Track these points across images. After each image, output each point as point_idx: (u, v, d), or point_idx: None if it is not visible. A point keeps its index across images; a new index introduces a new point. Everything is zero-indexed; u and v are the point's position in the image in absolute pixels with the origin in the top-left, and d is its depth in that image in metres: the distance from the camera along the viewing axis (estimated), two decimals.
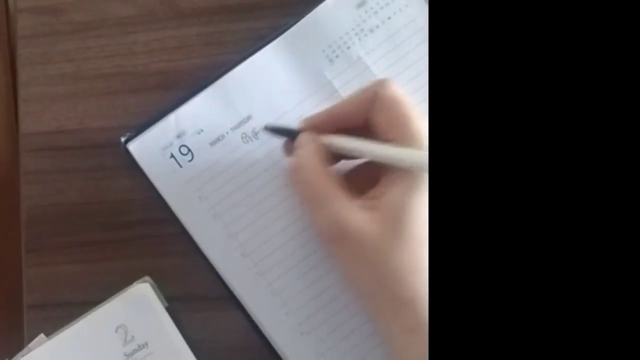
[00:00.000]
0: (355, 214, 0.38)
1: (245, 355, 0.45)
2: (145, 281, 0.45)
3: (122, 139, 0.46)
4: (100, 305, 0.44)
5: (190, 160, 0.46)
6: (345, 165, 0.43)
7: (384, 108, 0.40)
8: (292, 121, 0.46)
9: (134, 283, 0.45)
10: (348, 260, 0.39)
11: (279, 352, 0.44)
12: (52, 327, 0.44)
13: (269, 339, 0.44)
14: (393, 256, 0.37)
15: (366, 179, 0.41)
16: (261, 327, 0.44)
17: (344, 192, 0.39)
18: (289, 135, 0.43)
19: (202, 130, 0.46)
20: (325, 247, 0.43)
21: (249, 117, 0.46)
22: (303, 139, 0.41)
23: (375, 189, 0.40)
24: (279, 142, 0.45)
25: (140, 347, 0.43)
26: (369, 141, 0.40)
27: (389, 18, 0.47)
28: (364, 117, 0.41)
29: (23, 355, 0.44)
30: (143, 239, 0.46)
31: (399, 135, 0.39)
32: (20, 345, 0.45)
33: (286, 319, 0.44)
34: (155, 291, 0.44)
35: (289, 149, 0.43)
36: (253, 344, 0.44)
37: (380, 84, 0.40)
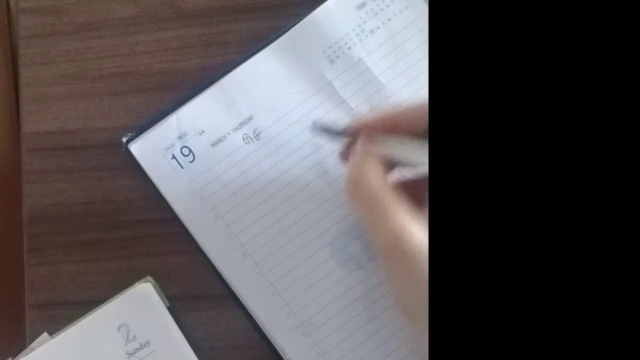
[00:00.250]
0: (416, 230, 0.36)
1: (246, 355, 0.45)
2: (147, 281, 0.45)
3: (124, 139, 0.46)
4: (103, 304, 0.44)
5: (191, 162, 0.46)
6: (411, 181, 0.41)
7: None
8: (292, 122, 0.46)
9: (136, 283, 0.45)
10: (404, 275, 0.36)
11: (280, 351, 0.44)
12: (54, 326, 0.45)
13: (270, 339, 0.44)
14: None
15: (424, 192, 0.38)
16: (262, 327, 0.44)
17: (406, 204, 0.37)
18: (338, 136, 0.42)
19: (203, 131, 0.46)
20: (381, 261, 0.40)
21: (250, 118, 0.46)
22: (361, 147, 0.39)
23: None
24: (280, 142, 0.46)
25: (142, 346, 0.44)
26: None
27: (389, 19, 0.47)
28: (422, 128, 0.38)
29: (26, 354, 0.44)
30: (145, 238, 0.46)
31: None
32: (22, 344, 0.45)
33: (287, 319, 0.44)
34: (157, 291, 0.44)
35: (346, 155, 0.42)
36: (254, 343, 0.44)
37: None
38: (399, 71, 0.47)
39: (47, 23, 0.49)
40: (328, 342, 0.44)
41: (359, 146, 0.39)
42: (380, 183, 0.38)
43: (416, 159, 0.38)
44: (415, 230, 0.35)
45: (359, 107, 0.46)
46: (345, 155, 0.42)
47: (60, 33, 0.49)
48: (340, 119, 0.46)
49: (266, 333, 0.44)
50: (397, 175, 0.40)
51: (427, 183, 0.39)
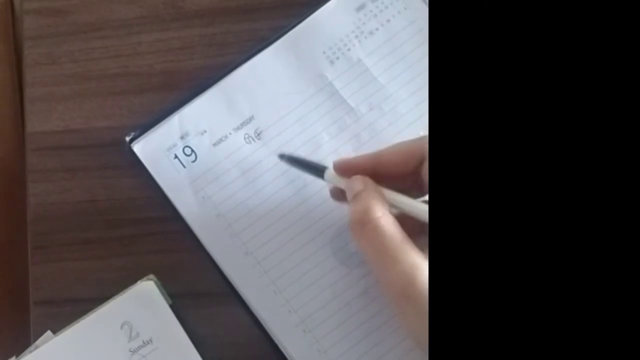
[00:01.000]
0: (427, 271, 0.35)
1: (247, 352, 0.45)
2: (149, 279, 0.45)
3: (127, 139, 0.46)
4: (106, 302, 0.45)
5: (193, 161, 0.46)
6: None
7: None
8: (293, 122, 0.46)
9: (139, 281, 0.45)
10: (415, 315, 0.36)
11: (282, 348, 0.44)
12: (58, 323, 0.45)
13: (272, 336, 0.44)
14: None
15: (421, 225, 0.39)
16: (264, 324, 0.44)
17: (414, 246, 0.37)
18: (310, 170, 0.43)
19: (205, 131, 0.46)
20: (391, 301, 0.40)
21: (251, 118, 0.46)
22: (360, 185, 0.39)
23: None
24: (281, 142, 0.46)
25: (145, 343, 0.44)
26: (418, 201, 0.38)
27: (388, 21, 0.47)
28: (407, 169, 0.39)
29: (30, 352, 0.44)
30: (147, 236, 0.46)
31: None
32: (26, 341, 0.45)
33: (288, 317, 0.44)
34: (159, 289, 0.44)
35: (338, 194, 0.42)
36: (255, 340, 0.45)
37: None
38: (398, 72, 0.47)
39: (51, 24, 0.49)
40: (329, 339, 0.44)
41: (358, 185, 0.39)
42: (388, 223, 0.37)
43: (410, 208, 0.38)
44: (423, 271, 0.35)
45: (359, 107, 0.46)
46: (336, 194, 0.43)
47: (64, 34, 0.49)
48: (340, 118, 0.46)
49: (267, 330, 0.44)
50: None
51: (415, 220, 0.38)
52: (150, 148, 0.46)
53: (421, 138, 0.40)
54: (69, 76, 0.48)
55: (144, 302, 0.44)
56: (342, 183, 0.40)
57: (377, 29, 0.47)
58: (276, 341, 0.44)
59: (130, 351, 0.44)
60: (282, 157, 0.44)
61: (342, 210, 0.45)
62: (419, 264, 0.36)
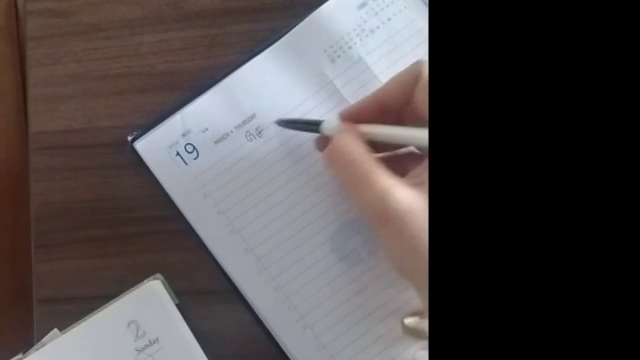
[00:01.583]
0: (401, 192, 0.36)
1: (248, 348, 0.45)
2: (156, 278, 0.45)
3: (129, 138, 0.46)
4: (113, 301, 0.45)
5: (195, 158, 0.46)
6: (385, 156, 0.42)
7: (427, 86, 0.39)
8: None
9: (146, 280, 0.45)
10: (393, 238, 0.37)
11: (282, 345, 0.44)
12: (61, 321, 0.45)
13: (272, 332, 0.44)
14: None
15: (405, 165, 0.40)
16: (264, 321, 0.44)
17: (386, 170, 0.38)
18: (309, 126, 0.44)
19: (207, 129, 0.46)
20: (370, 226, 0.41)
21: (252, 116, 0.46)
22: (341, 126, 0.41)
23: (420, 166, 0.38)
24: (282, 140, 0.46)
25: (151, 342, 0.44)
26: (409, 127, 0.39)
27: (389, 19, 0.47)
28: (405, 98, 0.40)
29: (37, 350, 0.44)
30: (150, 235, 0.46)
31: None
32: (30, 339, 0.45)
33: (288, 313, 0.44)
34: (166, 288, 0.44)
35: (323, 143, 0.43)
36: (256, 337, 0.45)
37: (423, 64, 0.39)
38: (399, 70, 0.46)
39: (54, 24, 0.49)
40: (328, 335, 0.44)
41: (339, 125, 0.41)
42: (361, 150, 0.39)
43: (394, 135, 0.40)
44: (400, 193, 0.36)
45: None
46: (321, 142, 0.44)
47: (66, 34, 0.49)
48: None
49: (268, 327, 0.44)
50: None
51: (406, 158, 0.40)
52: (153, 147, 0.46)
53: (413, 64, 0.41)
54: (72, 76, 0.48)
55: (150, 301, 0.44)
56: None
57: (378, 27, 0.47)
58: (276, 337, 0.44)
59: (136, 350, 0.44)
60: (280, 122, 0.45)
61: (342, 207, 0.45)
62: (392, 187, 0.37)
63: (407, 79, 0.40)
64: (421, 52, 0.47)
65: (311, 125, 0.43)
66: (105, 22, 0.49)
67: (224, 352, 0.44)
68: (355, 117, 0.41)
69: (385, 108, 0.41)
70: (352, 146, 0.39)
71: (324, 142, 0.42)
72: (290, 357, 0.44)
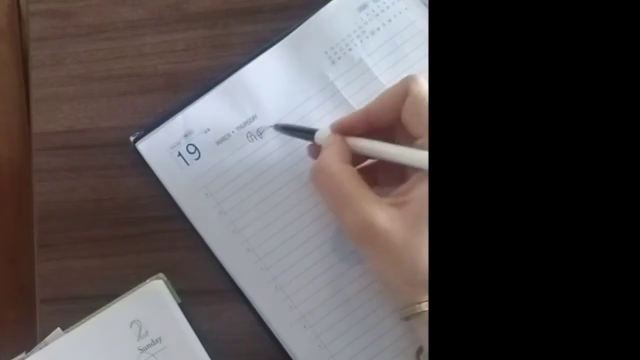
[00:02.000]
0: (383, 211, 0.38)
1: (250, 347, 0.45)
2: (159, 278, 0.45)
3: (131, 138, 0.46)
4: (116, 300, 0.45)
5: (197, 159, 0.46)
6: (370, 164, 0.44)
7: (415, 103, 0.40)
8: (295, 120, 0.46)
9: (148, 280, 0.45)
10: (376, 255, 0.39)
11: (283, 344, 0.44)
12: (64, 320, 0.45)
13: (273, 332, 0.44)
14: (420, 254, 0.37)
15: (393, 178, 0.41)
16: (265, 320, 0.44)
17: (370, 190, 0.39)
18: (304, 134, 0.44)
19: (208, 130, 0.46)
20: (353, 244, 0.43)
21: (254, 117, 0.46)
22: (328, 140, 0.42)
23: (403, 185, 0.40)
24: (283, 140, 0.46)
25: (154, 342, 0.44)
26: (393, 145, 0.40)
27: (389, 21, 0.47)
28: (397, 114, 0.41)
29: (40, 349, 0.44)
30: (152, 234, 0.46)
31: None
32: (33, 338, 0.45)
33: (290, 312, 0.44)
34: (168, 288, 0.45)
35: (315, 151, 0.43)
36: (258, 336, 0.45)
37: (412, 79, 0.40)
38: (399, 71, 0.47)
39: (56, 25, 0.49)
40: (329, 334, 0.44)
41: (327, 139, 0.42)
42: (343, 171, 0.40)
43: (380, 152, 0.41)
44: (380, 214, 0.38)
45: (360, 106, 0.46)
46: (313, 150, 0.44)
47: (69, 35, 0.49)
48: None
49: (269, 326, 0.44)
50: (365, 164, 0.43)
51: (391, 171, 0.41)
52: (155, 147, 0.46)
53: (403, 79, 0.41)
54: (74, 77, 0.48)
55: (153, 301, 0.45)
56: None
57: (378, 29, 0.47)
58: (277, 336, 0.44)
59: (139, 349, 0.44)
60: (276, 127, 0.46)
61: None
62: (374, 207, 0.38)
63: (398, 93, 0.41)
64: (421, 54, 0.47)
65: (306, 133, 0.44)
66: (107, 23, 0.49)
67: (225, 351, 0.44)
68: (346, 129, 0.42)
69: (376, 122, 0.42)
70: (336, 164, 0.40)
71: (316, 150, 0.43)
72: (291, 356, 0.44)
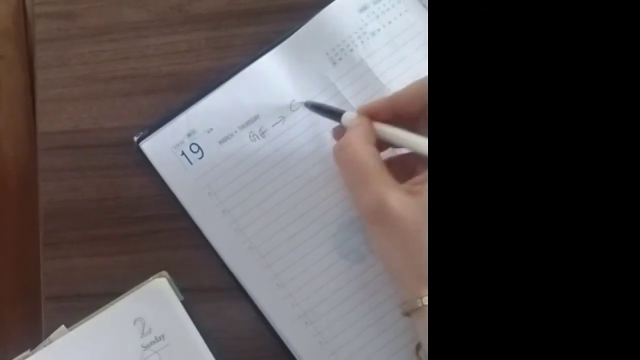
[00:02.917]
0: (400, 196, 0.38)
1: (252, 344, 0.45)
2: (162, 276, 0.45)
3: (135, 138, 0.46)
4: (119, 298, 0.45)
5: (200, 158, 0.46)
6: (391, 152, 0.44)
7: None
8: (296, 120, 0.46)
9: (151, 278, 0.45)
10: (384, 237, 0.39)
11: (285, 340, 0.44)
12: (69, 317, 0.45)
13: (275, 328, 0.44)
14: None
15: (412, 168, 0.41)
16: (267, 317, 0.44)
17: (389, 174, 0.39)
18: (332, 114, 0.44)
19: (211, 129, 0.46)
20: (364, 223, 0.43)
21: (256, 117, 0.47)
22: (354, 121, 0.42)
23: (421, 175, 0.40)
24: (284, 140, 0.46)
25: (157, 339, 0.44)
26: (418, 135, 0.40)
27: (389, 22, 0.47)
28: (423, 105, 0.40)
29: (45, 346, 0.44)
30: (155, 233, 0.46)
31: None
32: (37, 336, 0.45)
33: (291, 310, 0.44)
34: (171, 286, 0.45)
35: (340, 133, 0.43)
36: (259, 333, 0.45)
37: None
38: (399, 72, 0.47)
39: (61, 27, 0.49)
40: (330, 331, 0.44)
41: (353, 119, 0.42)
42: (366, 150, 0.40)
43: (404, 140, 0.40)
44: (395, 198, 0.38)
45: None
46: (338, 131, 0.44)
47: (74, 37, 0.49)
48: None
49: (271, 323, 0.44)
50: (386, 152, 0.43)
51: (411, 161, 0.41)
52: (158, 147, 0.46)
53: None
54: (79, 78, 0.49)
55: (156, 298, 0.45)
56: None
57: (378, 30, 0.47)
58: (279, 333, 0.44)
59: (142, 346, 0.44)
60: (307, 104, 0.46)
61: (344, 206, 0.45)
62: (390, 189, 0.38)
63: (425, 85, 0.40)
64: (421, 55, 0.47)
65: (334, 114, 0.44)
66: (112, 25, 0.49)
67: (227, 348, 0.44)
68: (372, 114, 0.42)
69: (402, 111, 0.42)
70: (360, 143, 0.40)
71: (340, 133, 0.43)
72: (293, 352, 0.44)
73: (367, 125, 0.41)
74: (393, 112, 0.42)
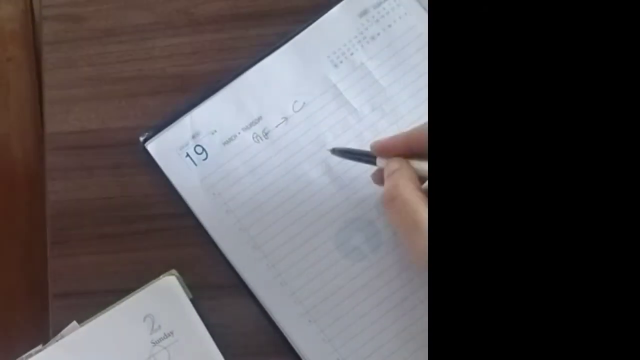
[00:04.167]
0: None
1: (256, 340, 0.45)
2: (171, 274, 0.45)
3: (141, 139, 0.46)
4: (129, 295, 0.45)
5: (204, 159, 0.46)
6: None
7: None
8: (299, 121, 0.46)
9: (162, 276, 0.45)
10: None
11: (288, 338, 0.44)
12: (76, 314, 0.45)
13: (278, 326, 0.44)
14: None
15: None
16: (271, 315, 0.44)
17: None
18: (364, 158, 0.43)
19: (215, 131, 0.46)
20: (418, 269, 0.42)
21: (259, 118, 0.47)
22: (395, 165, 0.40)
23: None
24: (287, 141, 0.46)
25: (166, 335, 0.44)
26: None
27: (389, 26, 0.47)
28: None
29: (57, 341, 0.44)
30: (161, 232, 0.46)
31: None
32: (44, 332, 0.45)
33: (295, 307, 0.44)
34: (181, 284, 0.45)
35: (379, 177, 0.42)
36: (263, 330, 0.45)
37: None
38: (399, 75, 0.47)
39: (69, 29, 0.49)
40: (333, 328, 0.44)
41: (394, 165, 0.40)
42: (415, 198, 0.38)
43: None
44: None
45: (362, 108, 0.47)
46: (377, 177, 0.43)
47: (81, 39, 0.49)
48: (344, 118, 0.46)
49: (274, 320, 0.44)
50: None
51: None
52: (163, 147, 0.46)
53: None
54: (86, 79, 0.48)
55: (166, 296, 0.45)
56: None
57: (378, 34, 0.47)
58: (283, 331, 0.44)
59: (152, 343, 0.44)
60: (334, 151, 0.44)
61: (346, 206, 0.45)
62: None
63: None
64: (421, 57, 0.47)
65: (366, 157, 0.43)
66: (118, 28, 0.49)
67: (232, 344, 0.44)
68: (387, 150, 0.41)
69: (417, 147, 0.41)
70: (409, 192, 0.39)
71: (379, 177, 0.42)
72: (295, 349, 0.44)
73: (408, 170, 0.40)
74: (408, 148, 0.41)
